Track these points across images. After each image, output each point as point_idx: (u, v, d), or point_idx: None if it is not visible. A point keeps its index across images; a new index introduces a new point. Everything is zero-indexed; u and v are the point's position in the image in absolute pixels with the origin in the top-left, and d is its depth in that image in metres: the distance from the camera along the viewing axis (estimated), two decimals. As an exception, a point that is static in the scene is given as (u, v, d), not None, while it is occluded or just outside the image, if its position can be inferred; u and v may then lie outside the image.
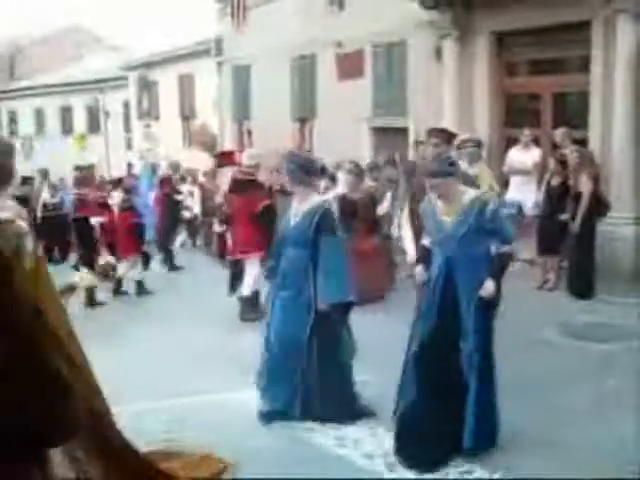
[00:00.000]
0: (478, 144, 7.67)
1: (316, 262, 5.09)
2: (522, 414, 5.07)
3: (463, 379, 4.46)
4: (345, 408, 5.09)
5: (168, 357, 6.99)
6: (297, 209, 5.31)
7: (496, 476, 4.24)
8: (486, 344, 4.51)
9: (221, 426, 4.95)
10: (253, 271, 8.49)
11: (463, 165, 6.50)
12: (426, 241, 4.89)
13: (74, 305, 8.61)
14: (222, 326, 8.04)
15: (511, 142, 11.33)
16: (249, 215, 8.50)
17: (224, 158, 10.67)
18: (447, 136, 6.52)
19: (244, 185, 8.61)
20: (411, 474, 4.30)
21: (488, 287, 4.47)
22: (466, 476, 4.28)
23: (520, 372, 5.95)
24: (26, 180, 15.93)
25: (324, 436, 4.91)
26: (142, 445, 3.63)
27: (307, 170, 5.30)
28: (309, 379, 5.09)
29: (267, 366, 5.30)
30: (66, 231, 13.91)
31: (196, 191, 14.55)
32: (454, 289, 4.55)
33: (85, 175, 16.25)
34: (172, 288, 11.20)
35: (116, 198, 12.10)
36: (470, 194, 4.66)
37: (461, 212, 4.58)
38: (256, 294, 8.50)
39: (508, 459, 4.39)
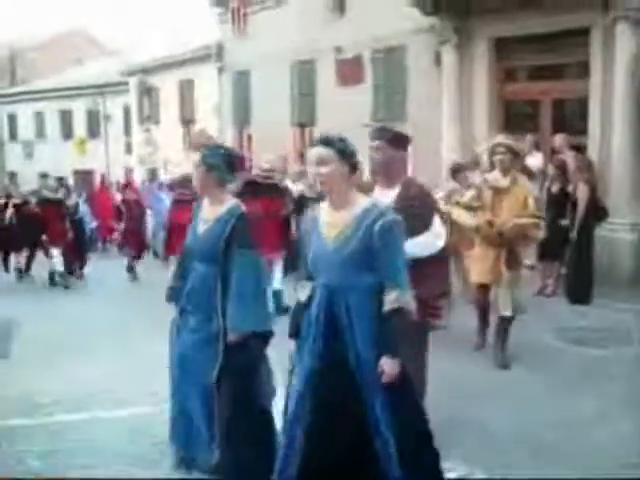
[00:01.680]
0: (510, 150, 6.14)
1: (227, 281, 4.00)
2: (520, 419, 5.08)
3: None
4: (265, 464, 3.71)
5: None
6: (207, 213, 4.17)
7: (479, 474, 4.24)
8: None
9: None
10: (279, 267, 9.03)
11: (494, 175, 6.28)
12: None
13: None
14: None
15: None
16: (272, 216, 8.76)
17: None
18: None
19: (263, 188, 8.82)
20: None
21: (387, 370, 3.25)
22: (451, 474, 4.29)
23: (518, 377, 5.98)
24: (61, 181, 15.80)
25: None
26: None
27: (233, 166, 4.23)
28: (221, 428, 3.98)
29: (173, 412, 4.27)
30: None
31: None
32: (339, 335, 3.39)
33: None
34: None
35: None
36: (366, 202, 3.47)
37: (349, 225, 3.41)
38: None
39: (507, 462, 4.38)
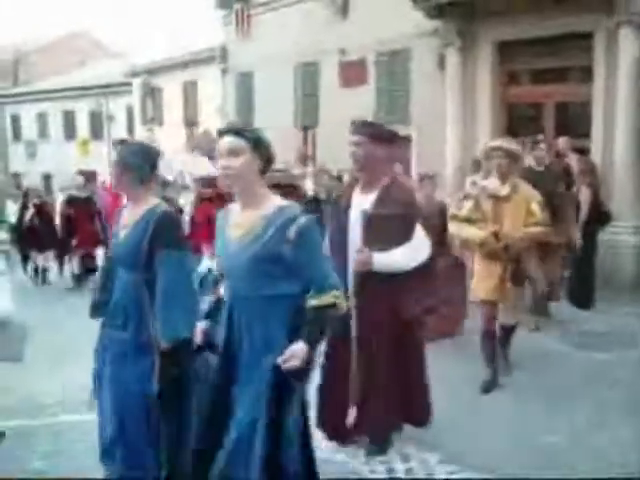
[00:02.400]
0: (508, 154, 5.59)
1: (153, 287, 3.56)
2: (522, 422, 5.08)
3: None
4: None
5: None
6: (129, 216, 3.75)
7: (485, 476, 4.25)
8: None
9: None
10: None
11: (493, 182, 5.69)
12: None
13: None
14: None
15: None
16: None
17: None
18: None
19: (285, 189, 9.29)
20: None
21: (294, 354, 3.05)
22: (453, 476, 4.30)
23: (520, 382, 5.97)
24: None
25: (323, 442, 4.90)
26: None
27: (154, 164, 3.78)
28: (164, 443, 3.61)
29: (103, 442, 3.80)
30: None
31: None
32: (236, 342, 3.25)
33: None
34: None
35: None
36: (279, 202, 3.26)
37: (256, 225, 3.19)
38: None
39: (507, 465, 4.38)
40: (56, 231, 12.05)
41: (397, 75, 14.11)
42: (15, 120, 33.15)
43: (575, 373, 6.24)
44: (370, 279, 4.21)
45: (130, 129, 26.29)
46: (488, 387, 5.77)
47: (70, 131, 29.84)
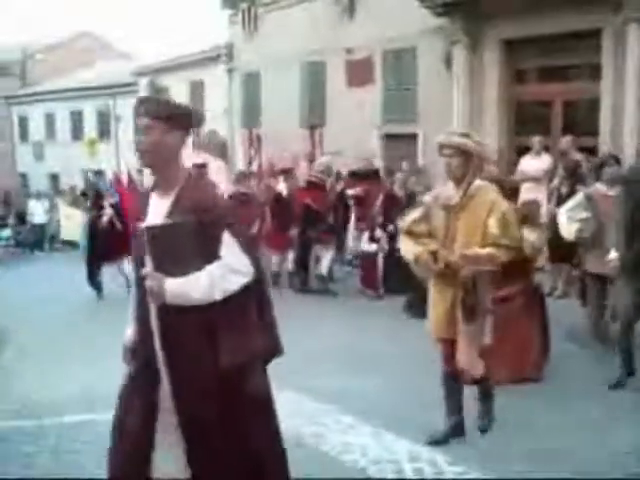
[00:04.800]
0: (459, 150, 4.45)
1: None
2: (530, 421, 5.06)
3: None
4: None
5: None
6: None
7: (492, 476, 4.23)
8: None
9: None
10: (329, 255, 10.64)
11: (447, 188, 4.59)
12: None
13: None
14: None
15: (522, 149, 11.31)
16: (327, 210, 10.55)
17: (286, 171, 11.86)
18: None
19: (317, 186, 10.51)
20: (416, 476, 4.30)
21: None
22: (462, 477, 4.28)
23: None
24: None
25: (331, 442, 4.90)
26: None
27: None
28: None
29: None
30: None
31: None
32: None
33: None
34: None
35: None
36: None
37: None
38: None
39: (516, 464, 4.36)
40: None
41: (404, 73, 14.10)
42: (22, 121, 33.22)
43: (583, 371, 6.20)
44: (177, 314, 3.08)
45: (137, 129, 26.30)
46: (438, 441, 4.70)
47: (77, 131, 29.88)
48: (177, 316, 3.06)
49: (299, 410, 5.45)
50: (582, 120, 11.35)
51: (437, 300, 4.60)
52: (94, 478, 4.24)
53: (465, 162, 4.41)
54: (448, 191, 4.54)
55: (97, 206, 11.17)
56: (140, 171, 21.40)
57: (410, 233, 4.68)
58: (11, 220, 22.06)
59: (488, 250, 4.31)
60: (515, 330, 5.73)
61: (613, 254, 5.74)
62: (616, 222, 5.82)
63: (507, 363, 5.56)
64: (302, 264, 10.89)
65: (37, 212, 21.10)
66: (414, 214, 4.73)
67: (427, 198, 4.77)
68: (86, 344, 7.59)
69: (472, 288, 4.38)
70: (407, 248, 4.64)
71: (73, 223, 17.30)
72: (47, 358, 7.25)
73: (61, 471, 4.43)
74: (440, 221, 4.54)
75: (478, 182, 4.51)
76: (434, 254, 4.44)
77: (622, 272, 5.71)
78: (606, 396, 5.54)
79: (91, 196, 11.95)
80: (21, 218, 21.74)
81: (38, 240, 20.84)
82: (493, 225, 4.33)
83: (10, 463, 4.59)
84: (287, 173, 11.40)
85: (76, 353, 7.35)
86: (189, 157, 15.56)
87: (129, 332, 3.31)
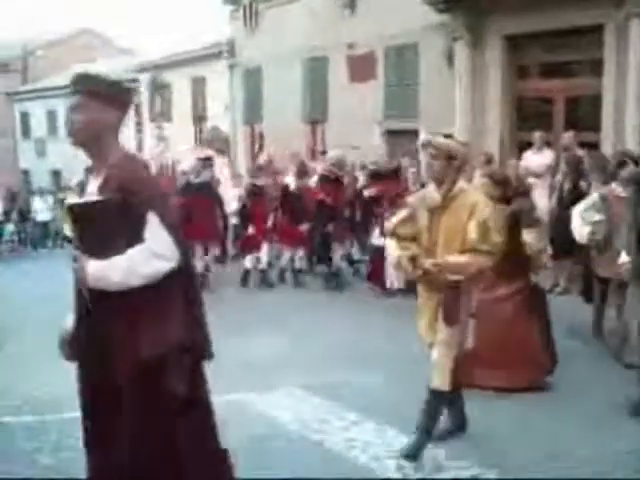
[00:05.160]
0: (441, 152, 4.38)
1: None
2: (530, 418, 5.07)
3: None
4: None
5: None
6: None
7: (492, 474, 4.24)
8: None
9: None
10: (341, 251, 10.72)
11: (430, 189, 4.48)
12: None
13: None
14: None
15: (524, 145, 11.29)
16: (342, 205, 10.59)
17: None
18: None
19: (330, 181, 10.44)
20: (419, 475, 4.31)
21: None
22: (462, 472, 4.29)
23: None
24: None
25: (334, 438, 4.91)
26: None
27: None
28: None
29: None
30: None
31: None
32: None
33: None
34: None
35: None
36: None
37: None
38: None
39: (521, 463, 4.37)
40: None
41: (405, 70, 14.08)
42: (24, 117, 33.24)
43: (585, 369, 6.19)
44: (101, 299, 2.98)
45: (138, 125, 26.31)
46: (440, 437, 4.61)
47: (79, 127, 29.85)
48: (101, 302, 2.95)
49: (302, 406, 5.47)
50: (584, 116, 11.33)
51: (423, 304, 4.50)
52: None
53: (447, 164, 4.32)
54: (432, 192, 4.44)
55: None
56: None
57: (395, 235, 4.60)
58: (14, 216, 22.00)
59: (463, 258, 4.22)
60: (513, 332, 5.52)
61: (624, 257, 5.54)
62: (627, 224, 5.60)
63: (507, 367, 5.46)
64: (323, 260, 10.82)
65: (40, 209, 21.09)
66: (400, 214, 4.65)
67: (411, 199, 4.74)
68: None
69: (452, 292, 4.26)
70: (390, 250, 4.62)
71: None
72: (48, 355, 7.25)
73: (62, 467, 4.44)
74: (424, 222, 4.43)
75: (461, 184, 4.40)
76: (413, 260, 4.37)
77: (634, 276, 5.52)
78: (609, 394, 5.53)
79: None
80: (23, 215, 21.70)
81: (41, 237, 20.83)
82: (472, 230, 4.22)
83: (12, 459, 4.60)
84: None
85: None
86: (194, 152, 15.67)
87: (68, 322, 3.18)
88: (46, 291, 11.63)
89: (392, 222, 4.68)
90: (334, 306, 9.44)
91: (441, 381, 4.31)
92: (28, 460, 4.57)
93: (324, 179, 10.50)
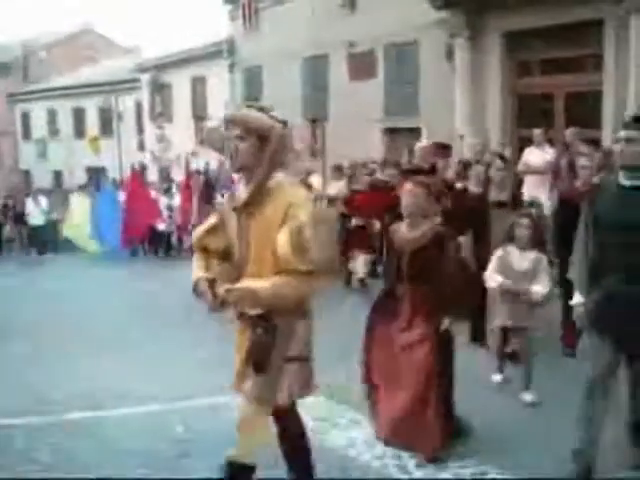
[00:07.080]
0: (244, 128, 3.31)
1: None
2: (537, 423, 5.05)
3: None
4: None
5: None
6: None
7: (493, 474, 4.22)
8: None
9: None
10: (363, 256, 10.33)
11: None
12: None
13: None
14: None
15: (525, 142, 11.26)
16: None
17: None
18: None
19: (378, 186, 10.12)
20: (421, 474, 4.29)
21: None
22: (464, 470, 4.27)
23: (536, 377, 5.91)
24: None
25: (336, 438, 4.89)
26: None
27: None
28: None
29: None
30: None
31: None
32: None
33: None
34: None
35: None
36: None
37: None
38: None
39: (522, 463, 4.35)
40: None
41: (405, 67, 14.06)
42: (25, 118, 33.24)
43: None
44: None
45: (139, 125, 26.33)
46: None
47: (80, 128, 29.90)
48: None
49: (302, 406, 5.45)
50: (585, 112, 11.30)
51: (237, 344, 3.39)
52: (98, 477, 4.26)
53: (258, 147, 3.21)
54: (241, 189, 3.34)
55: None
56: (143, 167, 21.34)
57: (201, 249, 3.48)
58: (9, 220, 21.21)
59: (268, 283, 3.09)
60: (408, 389, 4.34)
61: (578, 297, 4.04)
62: (578, 257, 4.06)
63: (394, 425, 4.39)
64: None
65: (32, 213, 19.59)
66: (209, 221, 3.51)
67: (222, 199, 3.82)
68: (92, 343, 7.60)
69: (263, 328, 3.16)
70: (193, 267, 3.44)
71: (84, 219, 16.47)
72: (54, 357, 7.25)
73: (64, 468, 4.43)
74: (233, 231, 3.33)
75: (279, 178, 3.25)
76: (212, 284, 3.30)
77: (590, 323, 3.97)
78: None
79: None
80: (20, 217, 20.65)
81: (38, 242, 19.93)
82: (283, 242, 3.08)
83: (16, 459, 4.60)
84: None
85: (83, 352, 7.35)
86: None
87: None
88: (54, 290, 11.64)
89: (197, 232, 3.56)
90: (338, 307, 9.42)
91: (244, 450, 3.29)
92: (28, 461, 4.56)
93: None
